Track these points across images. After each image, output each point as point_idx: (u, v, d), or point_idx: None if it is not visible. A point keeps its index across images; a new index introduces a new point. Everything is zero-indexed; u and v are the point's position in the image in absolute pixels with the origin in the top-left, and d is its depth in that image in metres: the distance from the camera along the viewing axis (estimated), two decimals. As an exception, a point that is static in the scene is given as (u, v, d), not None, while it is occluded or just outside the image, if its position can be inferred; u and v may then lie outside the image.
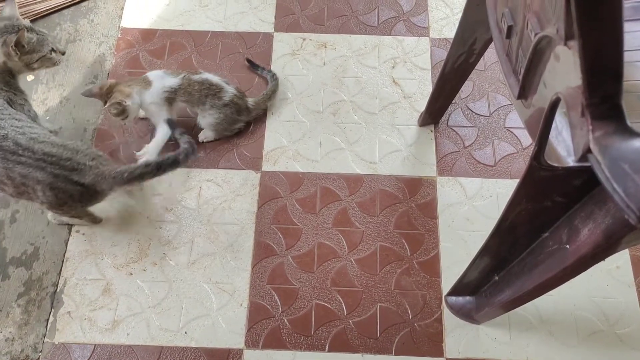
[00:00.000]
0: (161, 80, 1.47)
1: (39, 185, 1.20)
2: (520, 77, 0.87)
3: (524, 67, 0.85)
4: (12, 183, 1.21)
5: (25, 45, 1.32)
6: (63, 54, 1.44)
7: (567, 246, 0.86)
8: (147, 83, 1.47)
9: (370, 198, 1.50)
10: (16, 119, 1.26)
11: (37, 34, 1.36)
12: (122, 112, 1.42)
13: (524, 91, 0.89)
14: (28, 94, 1.42)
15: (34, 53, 1.35)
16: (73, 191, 1.22)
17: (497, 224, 0.99)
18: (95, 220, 1.45)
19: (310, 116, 1.62)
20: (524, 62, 0.84)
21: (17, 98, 1.36)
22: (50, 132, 1.59)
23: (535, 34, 0.77)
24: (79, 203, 1.26)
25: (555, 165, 0.81)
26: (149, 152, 1.51)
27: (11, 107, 1.32)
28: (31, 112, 1.39)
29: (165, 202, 1.49)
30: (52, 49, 1.40)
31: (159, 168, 1.22)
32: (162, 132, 1.50)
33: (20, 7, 1.77)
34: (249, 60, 1.69)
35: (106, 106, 1.41)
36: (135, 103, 1.43)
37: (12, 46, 1.29)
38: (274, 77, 1.64)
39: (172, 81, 1.47)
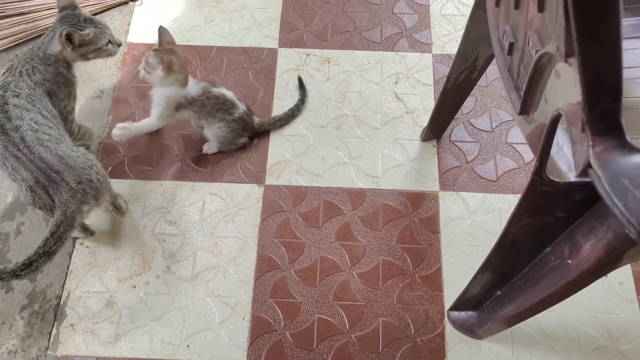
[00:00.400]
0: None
1: (23, 182, 1.21)
2: (522, 93, 0.88)
3: (525, 83, 0.86)
4: (5, 169, 1.24)
5: (76, 42, 1.33)
6: (119, 45, 1.46)
7: (569, 261, 0.86)
8: (185, 83, 1.44)
9: (372, 212, 1.50)
10: (42, 115, 1.26)
11: (95, 27, 1.37)
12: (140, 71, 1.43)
13: (526, 107, 0.90)
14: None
15: (90, 45, 1.37)
16: (46, 202, 1.23)
17: (499, 239, 1.00)
18: (86, 233, 1.44)
19: (314, 130, 1.64)
20: (526, 78, 0.85)
21: (60, 92, 1.35)
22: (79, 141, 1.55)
23: (536, 51, 0.78)
24: (51, 214, 1.25)
25: (557, 180, 0.82)
26: (127, 131, 1.48)
27: (51, 99, 1.32)
28: (67, 108, 1.38)
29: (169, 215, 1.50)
30: (109, 41, 1.40)
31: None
32: (150, 123, 1.49)
33: (27, 23, 1.79)
34: (299, 79, 1.70)
35: (147, 54, 1.41)
36: (152, 78, 1.41)
37: (64, 40, 1.31)
38: (296, 107, 1.65)
39: (194, 89, 1.46)
